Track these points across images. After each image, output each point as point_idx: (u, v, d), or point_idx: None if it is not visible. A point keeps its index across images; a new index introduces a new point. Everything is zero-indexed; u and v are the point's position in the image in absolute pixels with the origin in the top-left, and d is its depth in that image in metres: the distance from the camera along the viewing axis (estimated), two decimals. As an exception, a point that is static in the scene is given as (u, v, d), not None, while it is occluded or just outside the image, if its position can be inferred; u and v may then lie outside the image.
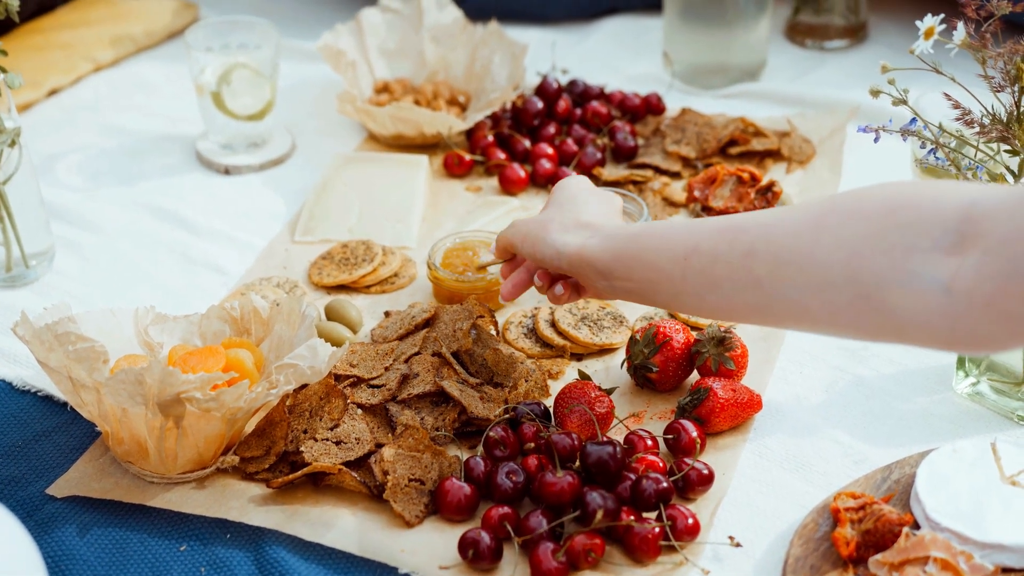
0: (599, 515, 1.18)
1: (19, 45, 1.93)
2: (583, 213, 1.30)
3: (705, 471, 1.25)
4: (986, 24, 1.29)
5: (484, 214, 1.64)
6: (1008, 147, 1.31)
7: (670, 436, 1.29)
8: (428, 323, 1.43)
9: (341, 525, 1.23)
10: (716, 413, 1.31)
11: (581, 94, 1.83)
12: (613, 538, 1.21)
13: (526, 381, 1.36)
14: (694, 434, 1.28)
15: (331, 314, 1.46)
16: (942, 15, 1.36)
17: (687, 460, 1.26)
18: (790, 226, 1.11)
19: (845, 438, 1.32)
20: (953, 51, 1.32)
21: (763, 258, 1.12)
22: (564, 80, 1.87)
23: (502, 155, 1.73)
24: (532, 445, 1.27)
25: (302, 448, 1.26)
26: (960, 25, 1.30)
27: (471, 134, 1.77)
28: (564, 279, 1.34)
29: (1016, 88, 1.28)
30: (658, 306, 1.25)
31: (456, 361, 1.37)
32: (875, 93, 1.37)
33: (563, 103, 1.79)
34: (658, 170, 1.71)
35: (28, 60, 1.90)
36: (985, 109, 1.32)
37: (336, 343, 1.40)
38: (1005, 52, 1.28)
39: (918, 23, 1.37)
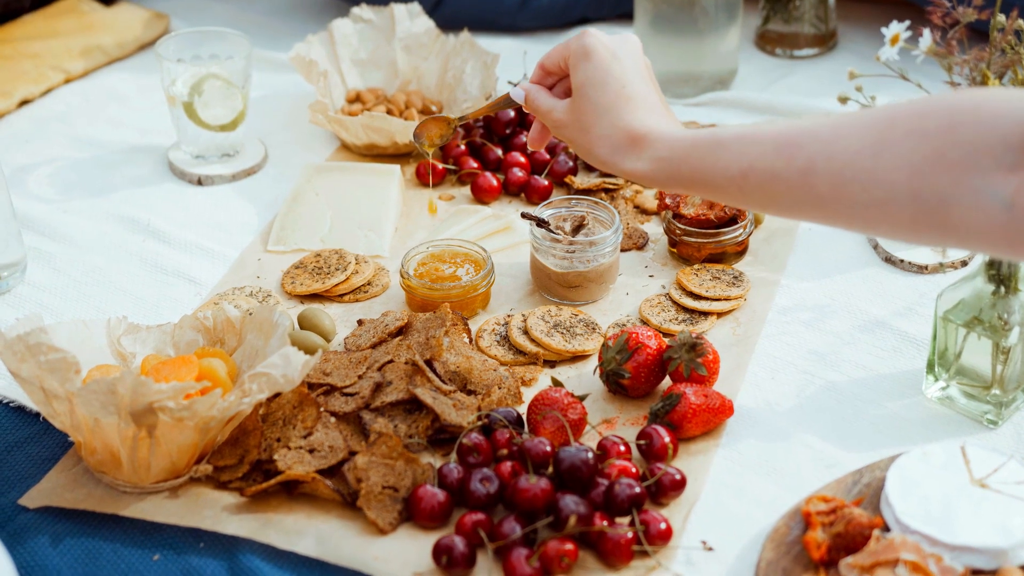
0: (572, 520, 1.19)
1: (-12, 55, 1.93)
2: (625, 115, 1.26)
3: (677, 476, 1.26)
4: (952, 31, 1.30)
5: (457, 223, 1.64)
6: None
7: (643, 442, 1.29)
8: (401, 331, 1.43)
9: (315, 533, 1.23)
10: (688, 418, 1.31)
11: (553, 103, 1.83)
12: (586, 543, 1.21)
13: (499, 388, 1.36)
14: (666, 439, 1.29)
15: (304, 323, 1.46)
16: (908, 22, 1.38)
17: (660, 465, 1.26)
18: (849, 143, 1.11)
19: (816, 442, 1.33)
20: (920, 58, 1.33)
21: (823, 176, 1.12)
22: (536, 89, 1.87)
23: (474, 164, 1.73)
24: (505, 452, 1.28)
25: (275, 456, 1.26)
26: (926, 32, 1.31)
27: (443, 143, 1.78)
28: None
29: (982, 94, 1.30)
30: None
31: (429, 369, 1.37)
32: (843, 100, 1.38)
33: (535, 112, 1.80)
34: (630, 178, 1.72)
35: (-3, 70, 1.90)
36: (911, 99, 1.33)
37: (309, 351, 1.40)
38: (971, 59, 1.29)
39: (884, 31, 1.38)
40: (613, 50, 1.29)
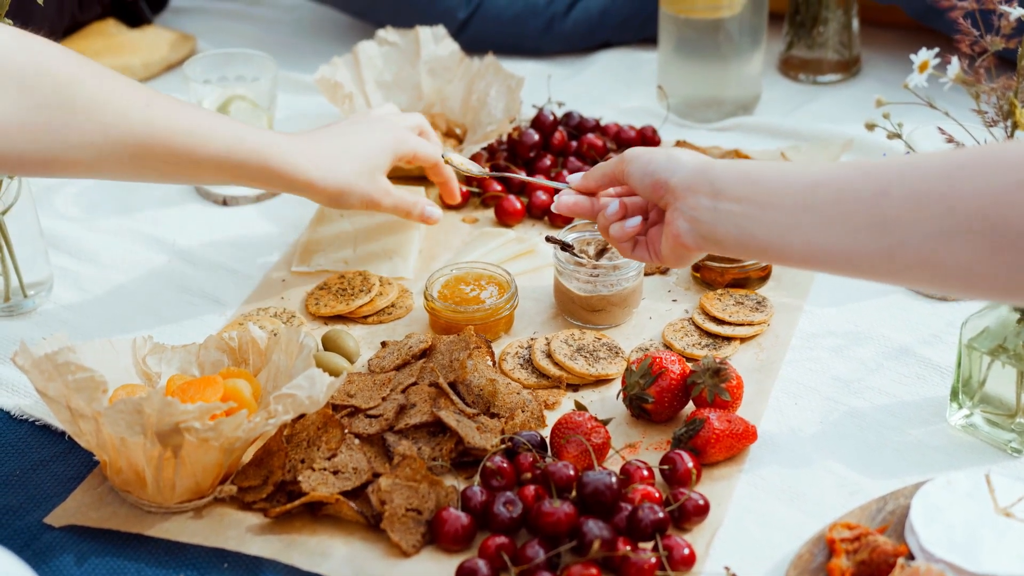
0: (596, 545, 1.18)
1: (18, 76, 1.94)
2: (686, 155, 1.27)
3: (701, 501, 1.26)
4: (980, 59, 1.31)
5: (480, 245, 1.64)
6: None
7: (666, 467, 1.29)
8: (425, 353, 1.44)
9: (338, 554, 1.23)
10: (711, 444, 1.31)
11: (577, 126, 1.84)
12: (609, 568, 1.21)
13: (523, 411, 1.36)
14: (690, 465, 1.29)
15: (328, 344, 1.46)
16: (937, 49, 1.38)
17: (683, 490, 1.26)
18: (927, 170, 1.07)
19: (840, 469, 1.33)
20: (947, 86, 1.33)
21: (896, 198, 1.08)
22: (560, 113, 1.88)
23: (498, 187, 1.74)
24: (529, 475, 1.28)
25: (299, 478, 1.27)
26: (954, 60, 1.31)
27: (467, 166, 1.78)
28: (644, 217, 1.32)
29: (1009, 123, 1.30)
30: (755, 249, 1.18)
31: (453, 391, 1.37)
32: (870, 127, 1.38)
33: (559, 135, 1.80)
34: (653, 202, 1.72)
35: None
36: (978, 143, 1.33)
37: (333, 373, 1.41)
38: (998, 87, 1.29)
39: (912, 57, 1.38)
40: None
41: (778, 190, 1.16)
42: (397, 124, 1.58)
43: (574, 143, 1.81)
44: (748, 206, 1.18)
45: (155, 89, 1.40)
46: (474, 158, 1.77)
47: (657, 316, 1.54)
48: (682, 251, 1.27)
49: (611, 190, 1.37)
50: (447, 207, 1.73)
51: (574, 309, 1.52)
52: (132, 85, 1.36)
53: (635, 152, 1.31)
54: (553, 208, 1.39)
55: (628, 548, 1.20)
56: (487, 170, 1.59)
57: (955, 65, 1.31)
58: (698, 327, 1.50)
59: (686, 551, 1.21)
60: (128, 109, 1.34)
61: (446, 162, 1.57)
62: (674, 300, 1.56)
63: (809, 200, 1.13)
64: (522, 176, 1.54)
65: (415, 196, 1.58)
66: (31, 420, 1.40)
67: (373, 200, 1.53)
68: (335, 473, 1.28)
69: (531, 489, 1.26)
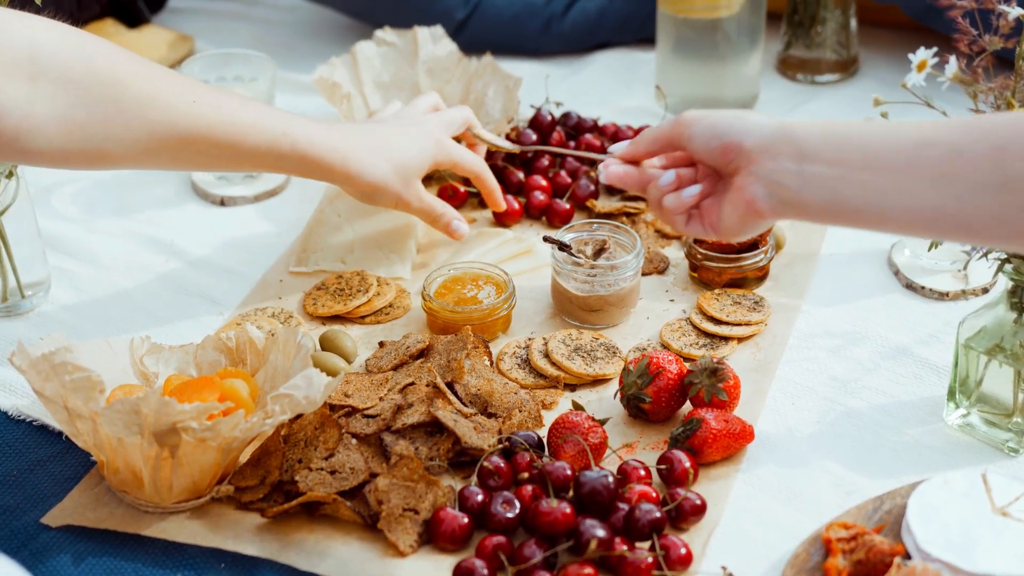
0: (593, 545, 1.19)
1: (16, 76, 1.94)
2: (764, 118, 1.19)
3: (698, 501, 1.26)
4: (978, 59, 1.31)
5: (478, 245, 1.64)
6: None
7: (663, 466, 1.29)
8: (422, 353, 1.44)
9: (335, 554, 1.23)
10: (709, 444, 1.31)
11: (574, 127, 1.84)
12: (606, 568, 1.21)
13: (520, 411, 1.37)
14: (687, 464, 1.29)
15: (326, 344, 1.46)
16: (935, 48, 1.38)
17: (680, 490, 1.26)
18: None
19: (837, 469, 1.33)
20: (945, 85, 1.33)
21: (1016, 155, 1.01)
22: (558, 113, 1.88)
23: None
24: (526, 475, 1.28)
25: (297, 478, 1.27)
26: (952, 59, 1.31)
27: (465, 166, 1.78)
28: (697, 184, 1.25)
29: (1006, 122, 1.30)
30: (847, 213, 1.10)
31: (450, 391, 1.37)
32: (867, 126, 1.38)
33: (557, 135, 1.80)
34: (651, 202, 1.72)
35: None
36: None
37: (331, 373, 1.41)
38: (996, 87, 1.29)
39: (911, 56, 1.38)
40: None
41: (877, 151, 1.09)
42: (440, 125, 1.58)
43: (572, 143, 1.81)
44: (841, 168, 1.12)
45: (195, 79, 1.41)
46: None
47: (654, 316, 1.54)
48: (753, 219, 1.20)
49: (655, 160, 1.31)
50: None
51: (572, 309, 1.52)
52: (176, 79, 1.38)
53: (696, 114, 1.24)
54: (601, 179, 1.33)
55: (625, 548, 1.20)
56: (517, 146, 1.59)
57: (953, 64, 1.31)
58: (695, 327, 1.50)
59: (683, 551, 1.21)
60: (173, 105, 1.35)
61: (474, 136, 1.56)
62: (671, 300, 1.56)
63: (915, 160, 1.07)
64: (556, 149, 1.53)
65: (444, 207, 1.58)
66: (28, 420, 1.40)
67: (404, 202, 1.54)
68: (332, 473, 1.28)
69: (528, 489, 1.26)
